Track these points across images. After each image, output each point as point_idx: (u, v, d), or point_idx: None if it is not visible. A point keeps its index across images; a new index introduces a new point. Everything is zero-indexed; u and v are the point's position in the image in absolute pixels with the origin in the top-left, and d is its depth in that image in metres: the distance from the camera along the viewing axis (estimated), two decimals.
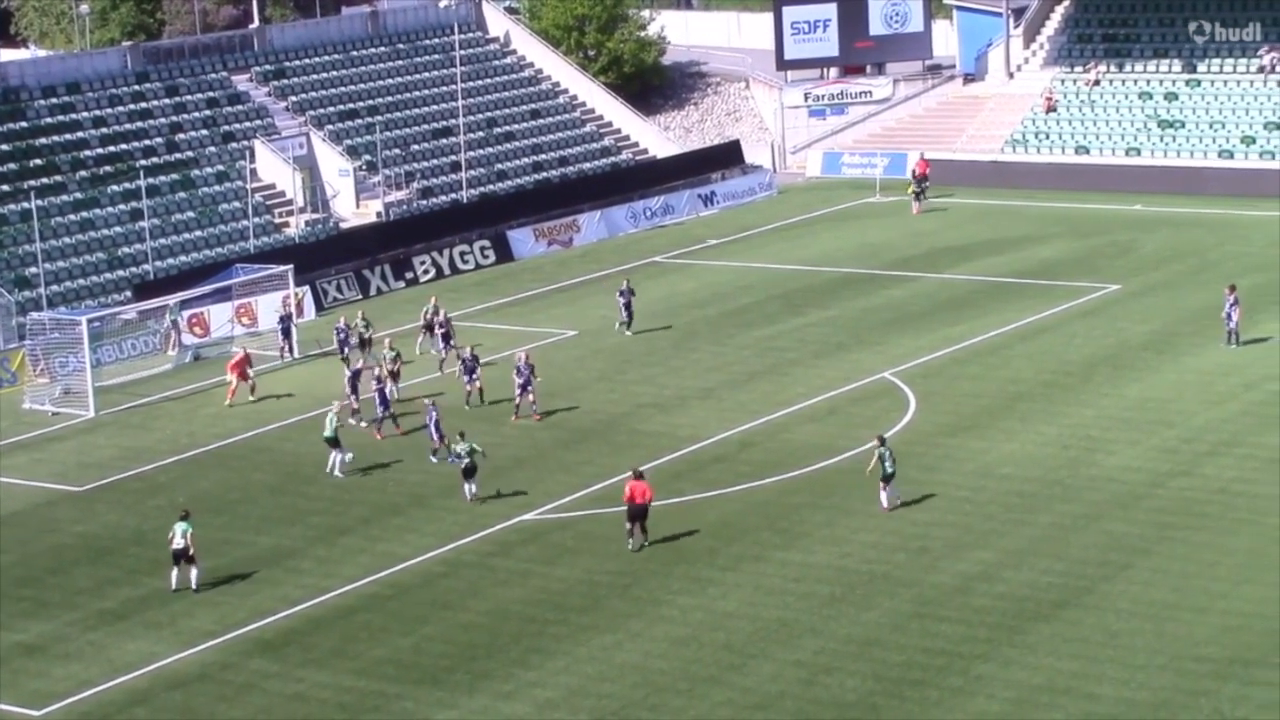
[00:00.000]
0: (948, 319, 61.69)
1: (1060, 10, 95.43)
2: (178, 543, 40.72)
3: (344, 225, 77.32)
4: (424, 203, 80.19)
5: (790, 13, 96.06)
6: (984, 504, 44.18)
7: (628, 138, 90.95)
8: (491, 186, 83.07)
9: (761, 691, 34.99)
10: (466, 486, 45.97)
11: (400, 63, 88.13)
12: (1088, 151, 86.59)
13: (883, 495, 43.67)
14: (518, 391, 52.54)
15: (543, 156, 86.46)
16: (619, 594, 39.96)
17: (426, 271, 73.86)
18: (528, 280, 72.47)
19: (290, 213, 76.46)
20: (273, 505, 46.95)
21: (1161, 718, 33.10)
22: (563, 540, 43.49)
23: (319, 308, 68.85)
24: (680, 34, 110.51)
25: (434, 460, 48.76)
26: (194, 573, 40.88)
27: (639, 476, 42.24)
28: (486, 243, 76.48)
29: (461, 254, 75.54)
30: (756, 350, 59.18)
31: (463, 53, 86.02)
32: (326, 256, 72.55)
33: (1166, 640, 36.03)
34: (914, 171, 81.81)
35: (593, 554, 42.40)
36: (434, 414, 49.30)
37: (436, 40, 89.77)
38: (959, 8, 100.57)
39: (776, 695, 34.82)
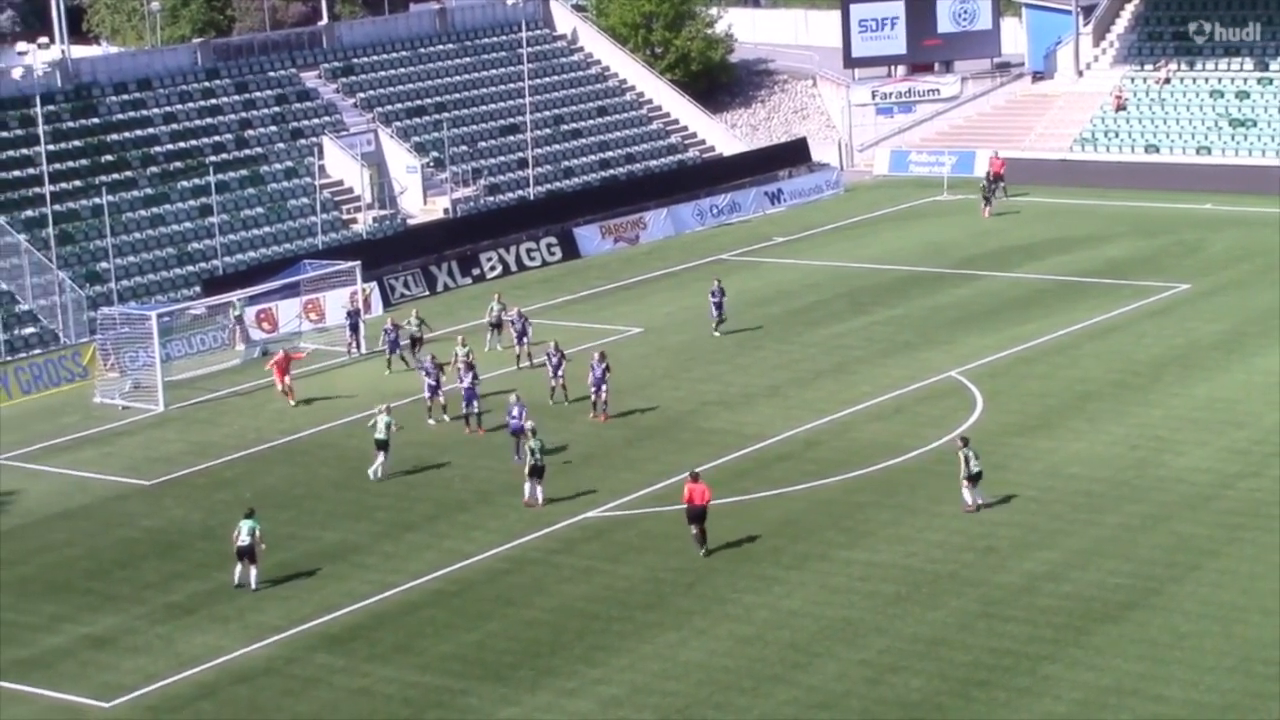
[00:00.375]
0: (1015, 318, 61.42)
1: (1130, 8, 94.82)
2: (243, 540, 40.92)
3: (411, 222, 77.58)
4: (491, 200, 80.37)
5: (858, 10, 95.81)
6: (1051, 504, 43.96)
7: (694, 135, 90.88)
8: (558, 184, 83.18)
9: (826, 690, 34.91)
10: (529, 487, 45.75)
11: (468, 60, 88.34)
12: (1157, 150, 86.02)
13: (966, 494, 43.31)
14: (593, 390, 52.48)
15: (609, 154, 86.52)
16: (683, 592, 39.95)
17: (493, 268, 74.02)
18: (594, 277, 72.53)
19: (358, 209, 76.74)
20: (338, 500, 47.16)
21: None
22: (627, 538, 43.51)
23: (386, 303, 69.08)
24: (747, 31, 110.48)
25: (516, 460, 48.11)
26: (254, 572, 41.06)
27: (696, 479, 42.01)
28: (553, 240, 76.58)
29: (528, 251, 75.67)
30: (823, 348, 59.06)
31: (530, 50, 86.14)
32: (394, 253, 72.81)
33: (1235, 642, 35.77)
34: (988, 172, 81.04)
35: (657, 551, 42.40)
36: (518, 408, 48.69)
37: (504, 37, 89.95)
38: (1028, 5, 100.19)
39: (841, 694, 34.74)
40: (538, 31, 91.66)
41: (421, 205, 79.01)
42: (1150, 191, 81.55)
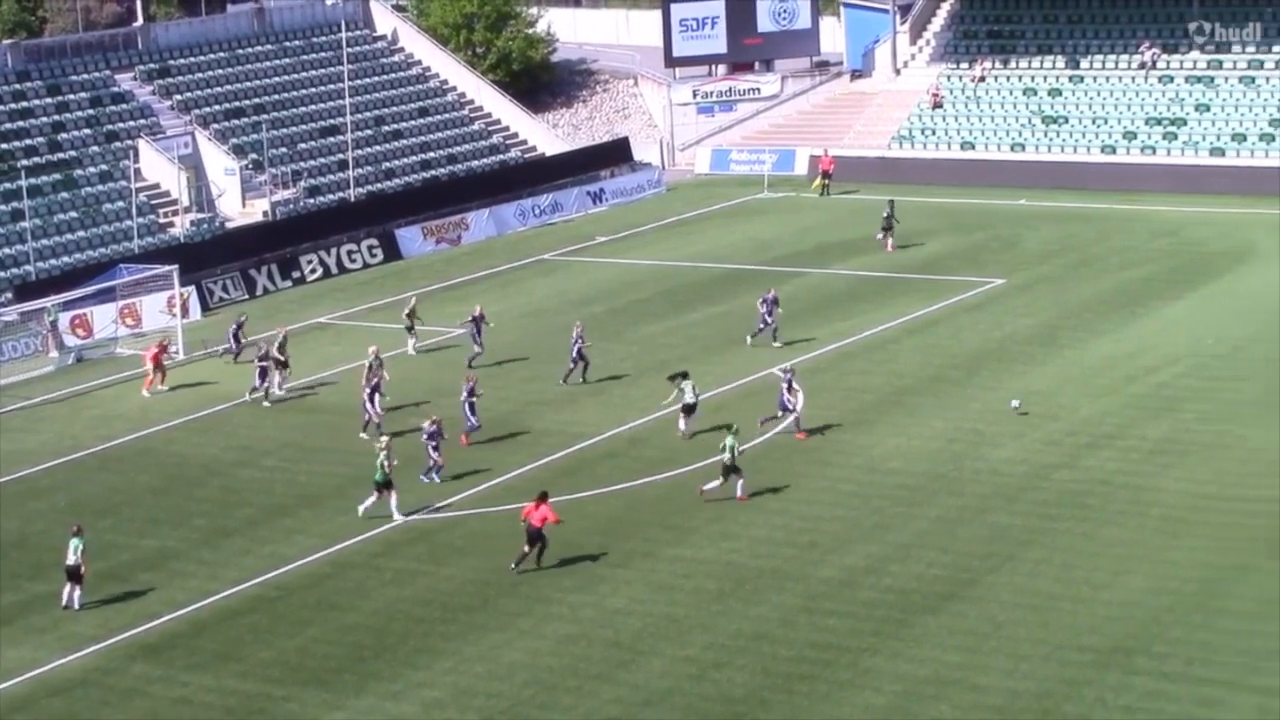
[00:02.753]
0: (835, 314, 62.01)
1: (946, 7, 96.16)
2: (70, 559, 39.86)
3: (230, 225, 76.69)
4: (311, 201, 79.70)
5: (678, 10, 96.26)
6: (871, 498, 44.42)
7: (516, 135, 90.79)
8: (379, 185, 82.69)
9: (650, 688, 35.00)
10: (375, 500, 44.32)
11: (287, 60, 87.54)
12: (973, 147, 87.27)
13: (714, 485, 44.00)
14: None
15: (431, 155, 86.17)
16: (507, 592, 39.86)
17: (314, 271, 73.38)
18: (416, 279, 72.15)
19: (175, 212, 75.74)
20: (156, 507, 46.47)
21: (1045, 707, 33.39)
22: (451, 540, 43.33)
23: (204, 308, 68.23)
24: (569, 31, 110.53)
25: (423, 479, 46.81)
26: (77, 593, 40.02)
27: (543, 499, 40.92)
28: (374, 241, 76.08)
29: (349, 253, 75.12)
30: (646, 347, 59.22)
31: (350, 50, 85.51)
32: (212, 256, 71.83)
33: (1050, 630, 36.36)
34: (887, 210, 73.75)
35: (481, 553, 42.27)
36: (432, 428, 46.85)
37: (323, 38, 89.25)
38: (846, 4, 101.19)
39: (666, 691, 34.85)
40: (358, 32, 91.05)
41: (240, 208, 78.17)
42: (966, 188, 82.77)
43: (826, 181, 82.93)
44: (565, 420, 51.93)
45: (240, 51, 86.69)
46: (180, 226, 74.86)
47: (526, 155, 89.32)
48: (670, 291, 66.97)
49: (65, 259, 70.54)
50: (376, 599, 39.97)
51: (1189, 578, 38.60)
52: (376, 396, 51.05)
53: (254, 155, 79.85)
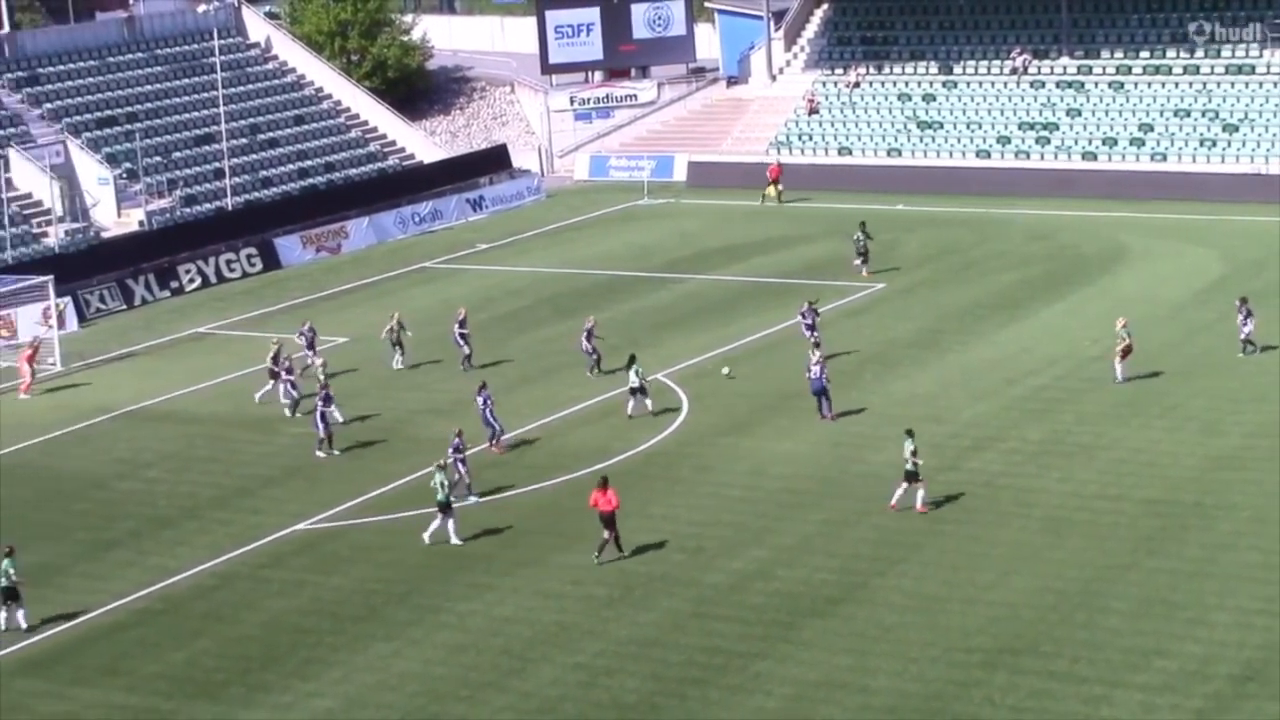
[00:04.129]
0: (718, 320, 62.22)
1: (820, 13, 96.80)
2: (2, 581, 38.87)
3: (105, 235, 75.82)
4: (188, 211, 78.93)
5: (553, 17, 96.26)
6: (758, 502, 44.57)
7: (394, 143, 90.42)
8: (257, 194, 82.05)
9: (542, 695, 34.96)
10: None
11: (159, 69, 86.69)
12: (850, 152, 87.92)
13: (898, 492, 43.31)
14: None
15: (308, 163, 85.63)
16: (396, 602, 39.67)
17: (192, 280, 72.74)
18: (295, 288, 71.70)
19: (49, 222, 74.71)
20: (35, 521, 45.76)
21: (935, 708, 33.66)
22: (337, 549, 43.06)
23: (81, 318, 67.41)
24: (444, 39, 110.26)
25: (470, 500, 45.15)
26: (20, 613, 38.98)
27: (604, 485, 40.95)
28: (253, 250, 75.55)
29: (228, 262, 74.50)
30: (529, 354, 59.15)
31: (223, 58, 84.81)
32: (88, 267, 71.03)
33: (938, 632, 36.66)
34: (859, 231, 68.30)
35: (369, 562, 42.04)
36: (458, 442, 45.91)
37: (195, 45, 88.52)
38: (720, 11, 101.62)
39: (557, 699, 34.82)
40: (230, 40, 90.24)
41: (115, 218, 77.23)
42: (844, 193, 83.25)
43: (779, 189, 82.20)
44: (450, 428, 51.57)
45: (111, 60, 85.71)
46: (54, 237, 73.87)
47: (405, 163, 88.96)
48: (552, 298, 66.93)
49: None
50: (264, 610, 39.65)
51: (1072, 577, 39.04)
52: (331, 408, 50.37)
53: (128, 164, 78.98)
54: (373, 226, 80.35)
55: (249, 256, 75.21)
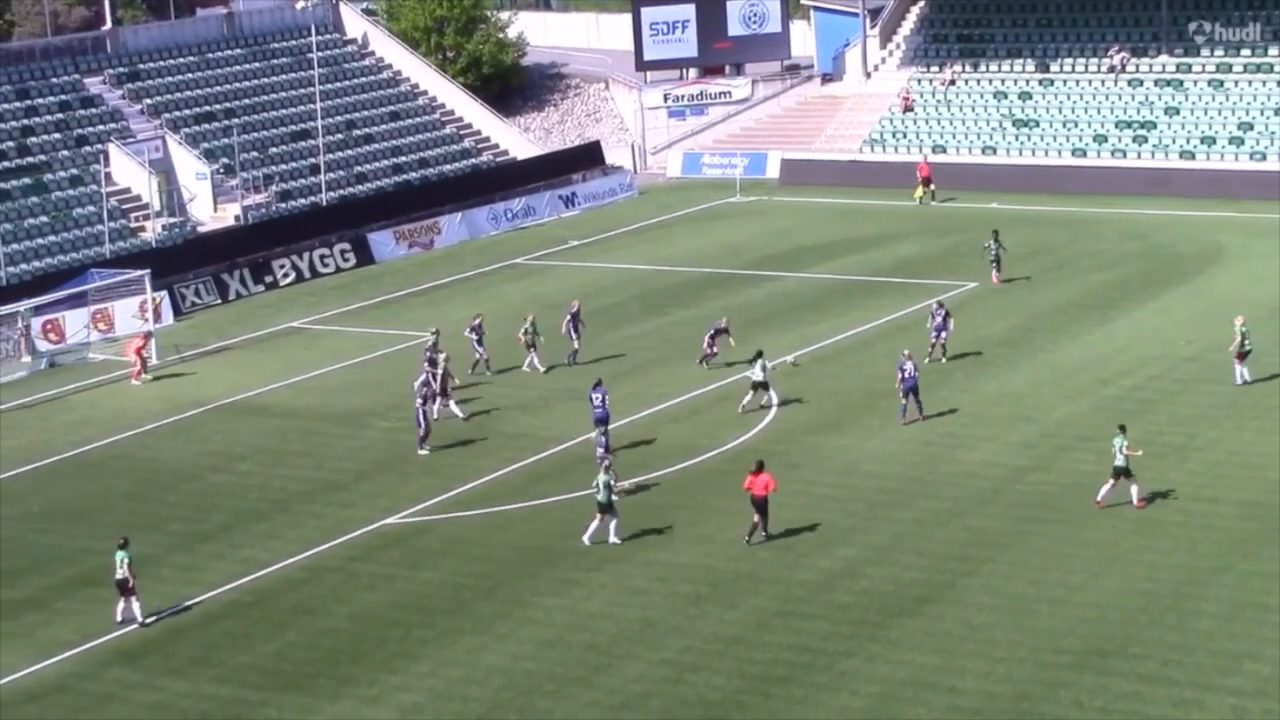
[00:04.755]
0: (809, 317, 62.08)
1: (916, 10, 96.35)
2: (119, 573, 39.12)
3: (201, 229, 76.48)
4: (283, 206, 79.51)
5: (649, 13, 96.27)
6: (847, 501, 44.45)
7: (488, 139, 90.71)
8: (351, 189, 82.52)
9: (627, 691, 35.00)
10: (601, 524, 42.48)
11: (257, 65, 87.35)
12: (944, 150, 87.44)
13: (1105, 489, 43.17)
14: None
15: (402, 158, 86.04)
16: (484, 596, 39.84)
17: (286, 275, 73.29)
18: (389, 283, 72.12)
19: (146, 217, 75.50)
20: (131, 512, 46.31)
21: (1022, 709, 33.47)
22: (427, 543, 43.29)
23: (177, 312, 68.08)
24: (539, 35, 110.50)
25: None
26: (136, 605, 39.21)
27: (759, 469, 41.66)
28: (347, 245, 76.02)
29: (322, 257, 75.02)
30: (620, 350, 59.18)
31: (320, 54, 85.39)
32: (184, 261, 71.73)
33: (1026, 633, 36.44)
34: (992, 239, 65.91)
35: (457, 557, 42.24)
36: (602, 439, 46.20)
37: (293, 42, 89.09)
38: (816, 8, 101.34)
39: (643, 695, 34.85)
40: (328, 36, 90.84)
41: (212, 212, 77.94)
42: (939, 191, 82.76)
43: (932, 189, 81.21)
44: (539, 424, 51.90)
45: (210, 55, 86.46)
46: (151, 231, 74.63)
47: (498, 159, 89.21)
48: (643, 295, 66.98)
49: (36, 264, 70.31)
50: (353, 603, 39.91)
51: (1163, 579, 38.72)
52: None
53: (225, 159, 79.64)
54: (465, 222, 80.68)
55: (343, 251, 75.70)
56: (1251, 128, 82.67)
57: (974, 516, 42.98)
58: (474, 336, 56.55)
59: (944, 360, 55.13)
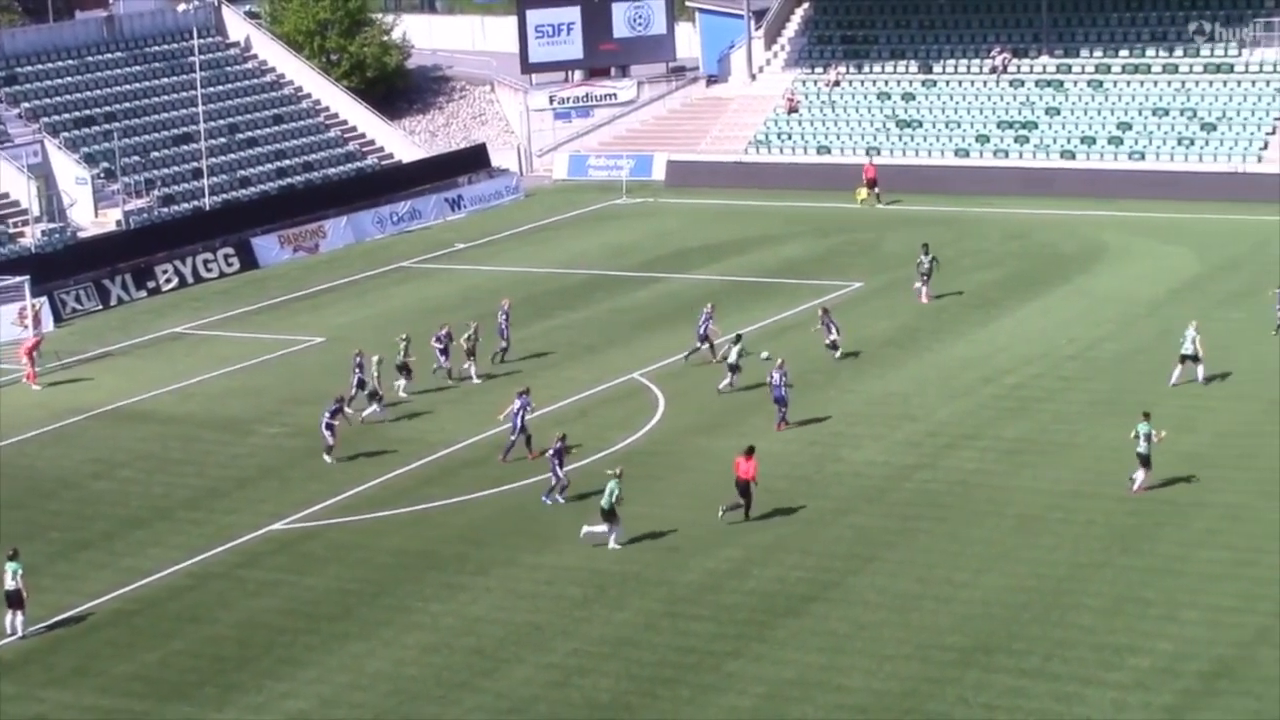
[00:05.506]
0: (695, 319, 62.03)
1: (800, 12, 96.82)
2: (9, 584, 38.51)
3: (82, 234, 75.64)
4: (165, 210, 78.76)
5: (534, 16, 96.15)
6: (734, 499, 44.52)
7: (373, 142, 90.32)
8: (235, 193, 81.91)
9: (514, 695, 34.92)
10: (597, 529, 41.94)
11: (138, 68, 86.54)
12: (829, 151, 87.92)
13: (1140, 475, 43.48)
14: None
15: (287, 162, 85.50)
16: (369, 602, 39.62)
17: (169, 280, 72.59)
18: (273, 287, 71.61)
19: (25, 222, 74.55)
20: (10, 521, 45.62)
21: (908, 706, 33.68)
22: (313, 549, 43.00)
23: (57, 319, 67.24)
24: (424, 38, 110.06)
25: (546, 500, 44.85)
26: (20, 618, 38.61)
27: (750, 454, 42.65)
28: (230, 250, 75.41)
29: (205, 262, 74.35)
30: (509, 353, 58.99)
31: (202, 57, 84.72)
32: (64, 267, 70.87)
33: (912, 630, 36.68)
34: (922, 252, 63.51)
35: (343, 562, 41.99)
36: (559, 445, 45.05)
37: (175, 45, 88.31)
38: (701, 10, 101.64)
39: (530, 699, 34.78)
40: (210, 39, 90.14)
41: (93, 217, 77.11)
42: (823, 191, 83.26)
43: (877, 191, 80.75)
44: (426, 428, 51.70)
45: (89, 59, 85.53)
46: (31, 237, 73.70)
47: (383, 162, 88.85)
48: (531, 298, 66.84)
49: None
50: (238, 610, 39.58)
51: (1046, 575, 39.10)
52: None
53: (106, 164, 78.82)
54: (351, 226, 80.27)
55: (226, 256, 75.07)
56: (1130, 127, 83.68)
57: (860, 515, 43.22)
58: (439, 346, 55.82)
59: (838, 357, 55.24)
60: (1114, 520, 41.90)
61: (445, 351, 55.44)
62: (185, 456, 50.42)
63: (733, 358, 52.95)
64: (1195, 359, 51.25)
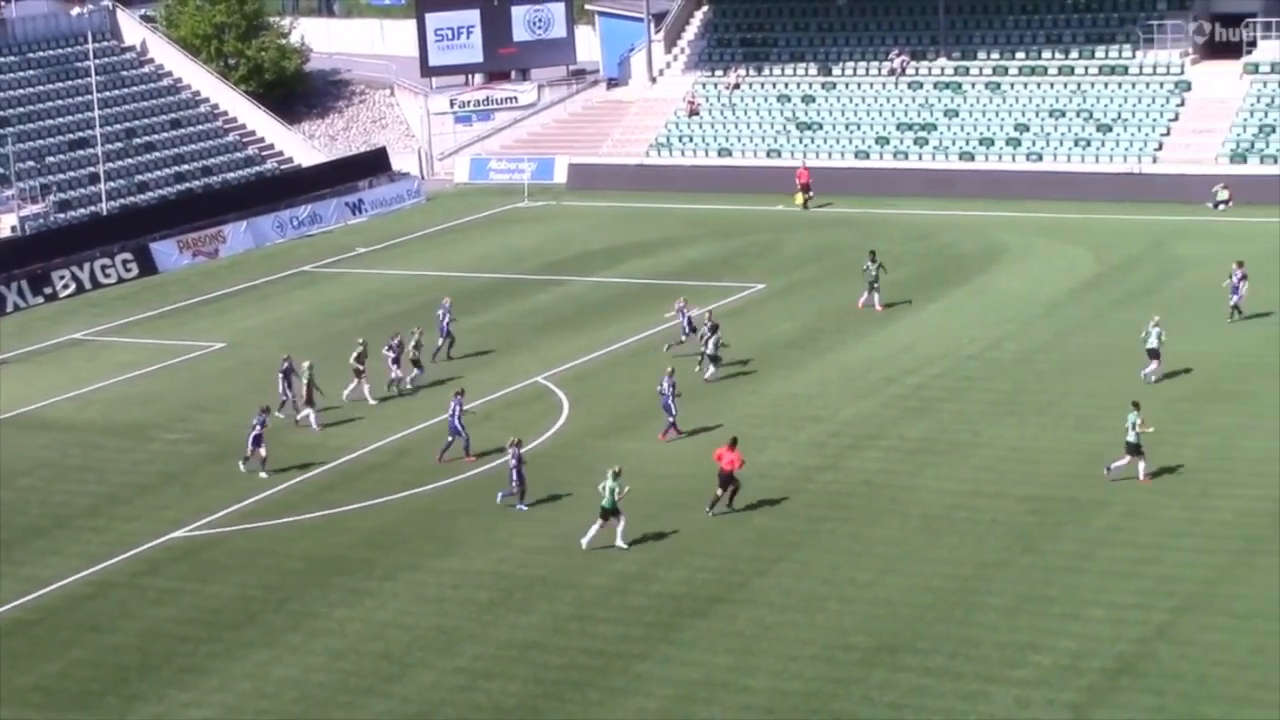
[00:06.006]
0: (599, 321, 62.21)
1: (700, 15, 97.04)
2: None
3: None
4: (61, 216, 77.98)
5: (434, 19, 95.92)
6: (639, 504, 44.26)
7: (272, 146, 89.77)
8: (133, 198, 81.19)
9: (421, 700, 34.79)
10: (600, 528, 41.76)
11: (31, 72, 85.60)
12: (730, 154, 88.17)
13: (1119, 464, 43.95)
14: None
15: (185, 167, 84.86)
16: (274, 609, 39.36)
17: (66, 286, 71.85)
18: (173, 293, 71.02)
19: None
20: None
21: (814, 706, 33.79)
22: (215, 557, 42.65)
23: None
24: (323, 42, 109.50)
25: (499, 499, 44.69)
26: None
27: (733, 445, 42.98)
28: (129, 255, 74.73)
29: (103, 268, 73.65)
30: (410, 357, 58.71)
31: (97, 62, 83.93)
32: None
33: (817, 630, 36.82)
34: (870, 258, 61.69)
35: (246, 569, 41.68)
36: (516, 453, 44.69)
37: (69, 49, 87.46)
38: (601, 13, 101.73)
39: (437, 703, 34.67)
40: (105, 43, 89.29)
41: None
42: (724, 194, 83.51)
43: (809, 195, 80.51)
44: (328, 433, 51.39)
45: None
46: None
47: (283, 166, 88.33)
48: (433, 303, 66.48)
49: None
50: (140, 619, 39.21)
51: (949, 574, 39.33)
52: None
53: (0, 169, 77.92)
54: (251, 230, 79.72)
55: (124, 262, 74.38)
56: (1028, 129, 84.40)
57: (765, 516, 43.33)
58: (390, 355, 55.13)
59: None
60: (1017, 519, 42.22)
61: (397, 360, 54.84)
62: (85, 464, 49.91)
63: (711, 348, 53.93)
64: (1156, 355, 51.75)
